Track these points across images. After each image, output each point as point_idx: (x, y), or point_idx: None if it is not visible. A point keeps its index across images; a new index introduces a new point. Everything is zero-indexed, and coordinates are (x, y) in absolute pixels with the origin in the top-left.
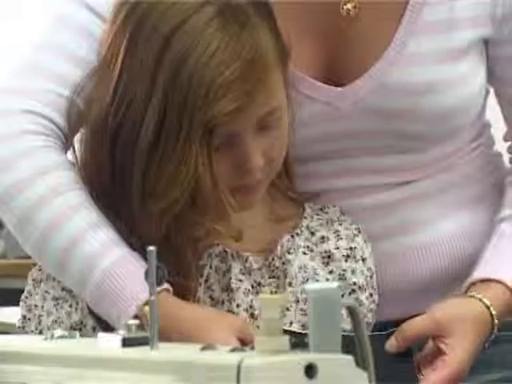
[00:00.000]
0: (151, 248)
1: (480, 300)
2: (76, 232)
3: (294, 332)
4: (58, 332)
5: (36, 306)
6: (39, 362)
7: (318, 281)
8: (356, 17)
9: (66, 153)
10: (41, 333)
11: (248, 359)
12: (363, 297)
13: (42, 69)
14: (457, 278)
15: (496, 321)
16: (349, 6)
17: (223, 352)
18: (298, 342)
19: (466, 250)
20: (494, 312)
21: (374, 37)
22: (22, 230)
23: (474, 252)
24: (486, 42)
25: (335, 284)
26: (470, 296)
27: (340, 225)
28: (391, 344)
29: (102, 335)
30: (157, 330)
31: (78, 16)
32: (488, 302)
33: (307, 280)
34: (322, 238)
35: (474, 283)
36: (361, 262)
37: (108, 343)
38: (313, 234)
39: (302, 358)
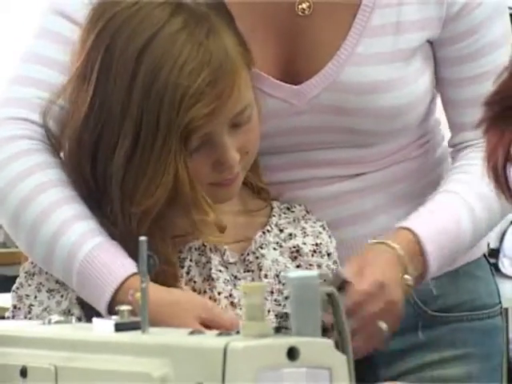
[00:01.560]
0: (142, 238)
1: (384, 243)
2: (58, 226)
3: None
4: (55, 317)
5: (28, 295)
6: (37, 346)
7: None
8: (310, 16)
9: (56, 152)
10: (30, 320)
11: (233, 343)
12: None
13: (28, 78)
14: None
15: (406, 258)
16: (304, 5)
17: (210, 336)
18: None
19: None
20: (395, 246)
21: (327, 37)
22: (13, 229)
23: None
24: (432, 44)
25: (315, 272)
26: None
27: (306, 223)
28: None
29: (96, 320)
30: (147, 315)
31: (56, 25)
32: (390, 242)
33: (280, 273)
34: (290, 234)
35: (408, 229)
36: (326, 256)
37: (102, 328)
38: (281, 230)
39: (284, 341)
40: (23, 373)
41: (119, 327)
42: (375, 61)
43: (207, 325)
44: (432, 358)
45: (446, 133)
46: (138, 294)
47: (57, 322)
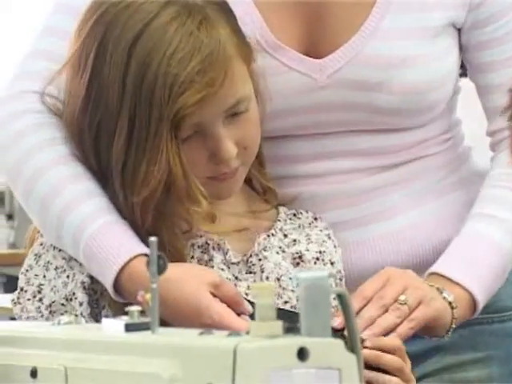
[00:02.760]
0: (152, 238)
1: (444, 299)
2: (68, 200)
3: (286, 310)
4: (65, 318)
5: (37, 275)
6: (47, 346)
7: (290, 278)
8: None
9: None
10: (40, 300)
11: (244, 343)
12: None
13: (42, 51)
14: (427, 265)
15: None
16: None
17: (220, 337)
18: (291, 326)
19: (437, 238)
20: (455, 315)
21: (352, 11)
22: (26, 201)
23: (444, 240)
24: (459, 31)
25: (325, 272)
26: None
27: (311, 230)
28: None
29: (106, 321)
30: (157, 316)
31: (74, 1)
32: (454, 305)
33: (281, 276)
34: (294, 240)
35: (434, 273)
36: (329, 264)
37: (112, 328)
38: (285, 236)
39: (294, 341)
40: (33, 373)
41: (129, 328)
42: (399, 36)
43: (216, 295)
44: (453, 361)
45: (465, 132)
46: (148, 295)
47: (67, 323)
